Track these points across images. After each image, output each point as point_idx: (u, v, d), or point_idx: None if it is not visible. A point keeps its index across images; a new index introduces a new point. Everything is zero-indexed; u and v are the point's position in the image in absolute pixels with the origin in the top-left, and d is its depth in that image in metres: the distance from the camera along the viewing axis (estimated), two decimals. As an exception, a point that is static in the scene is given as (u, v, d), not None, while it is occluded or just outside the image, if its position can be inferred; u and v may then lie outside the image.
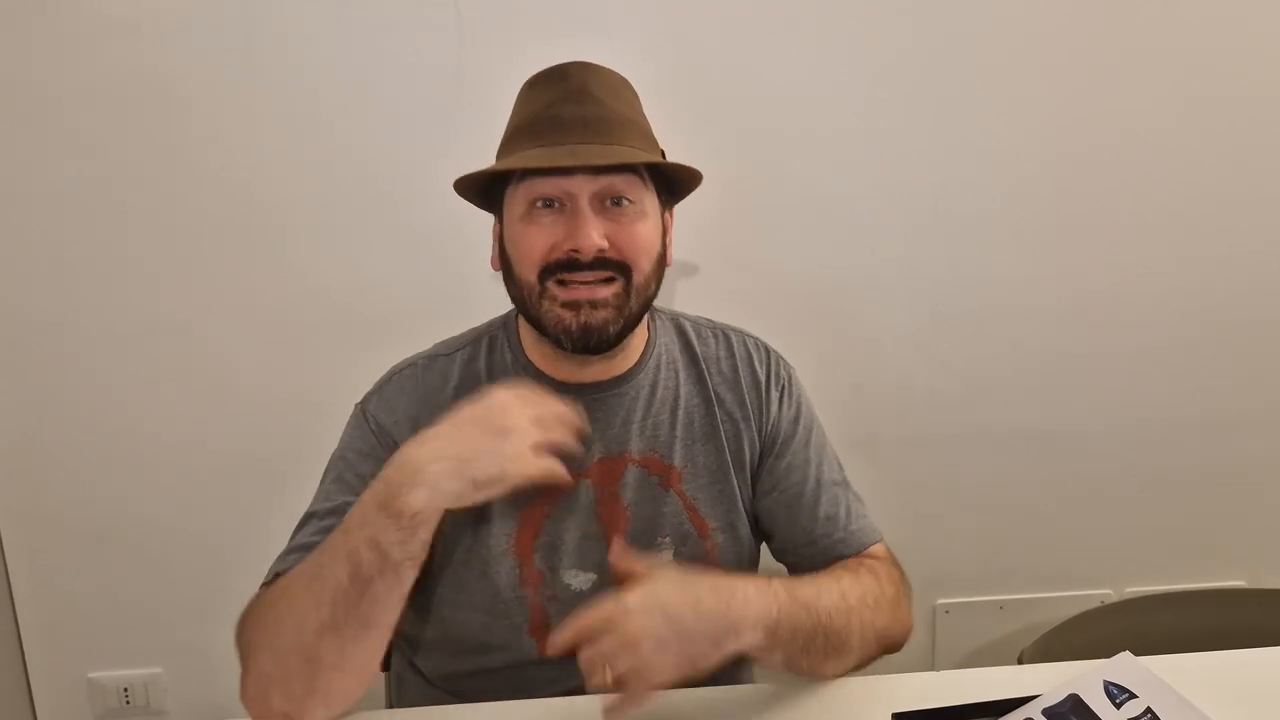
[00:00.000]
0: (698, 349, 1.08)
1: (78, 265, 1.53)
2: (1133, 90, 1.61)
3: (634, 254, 0.94)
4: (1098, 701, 0.87)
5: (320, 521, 0.96)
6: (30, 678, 1.69)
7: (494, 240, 1.02)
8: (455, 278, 1.56)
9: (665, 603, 0.81)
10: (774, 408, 1.06)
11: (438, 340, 1.09)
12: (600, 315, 0.93)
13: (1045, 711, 0.87)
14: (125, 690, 1.70)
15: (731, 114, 1.56)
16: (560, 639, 0.80)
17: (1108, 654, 0.96)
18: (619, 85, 0.98)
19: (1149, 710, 0.86)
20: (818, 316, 1.66)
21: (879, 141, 1.60)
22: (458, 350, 1.05)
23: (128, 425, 1.59)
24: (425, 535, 0.83)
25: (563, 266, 0.93)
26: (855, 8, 1.54)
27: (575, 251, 0.92)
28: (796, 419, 1.07)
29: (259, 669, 0.86)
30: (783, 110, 1.57)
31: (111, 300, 1.55)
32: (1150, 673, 0.90)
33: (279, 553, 0.97)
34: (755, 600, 0.85)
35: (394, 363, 1.07)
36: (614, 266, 0.93)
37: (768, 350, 1.10)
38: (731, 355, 1.08)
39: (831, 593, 0.92)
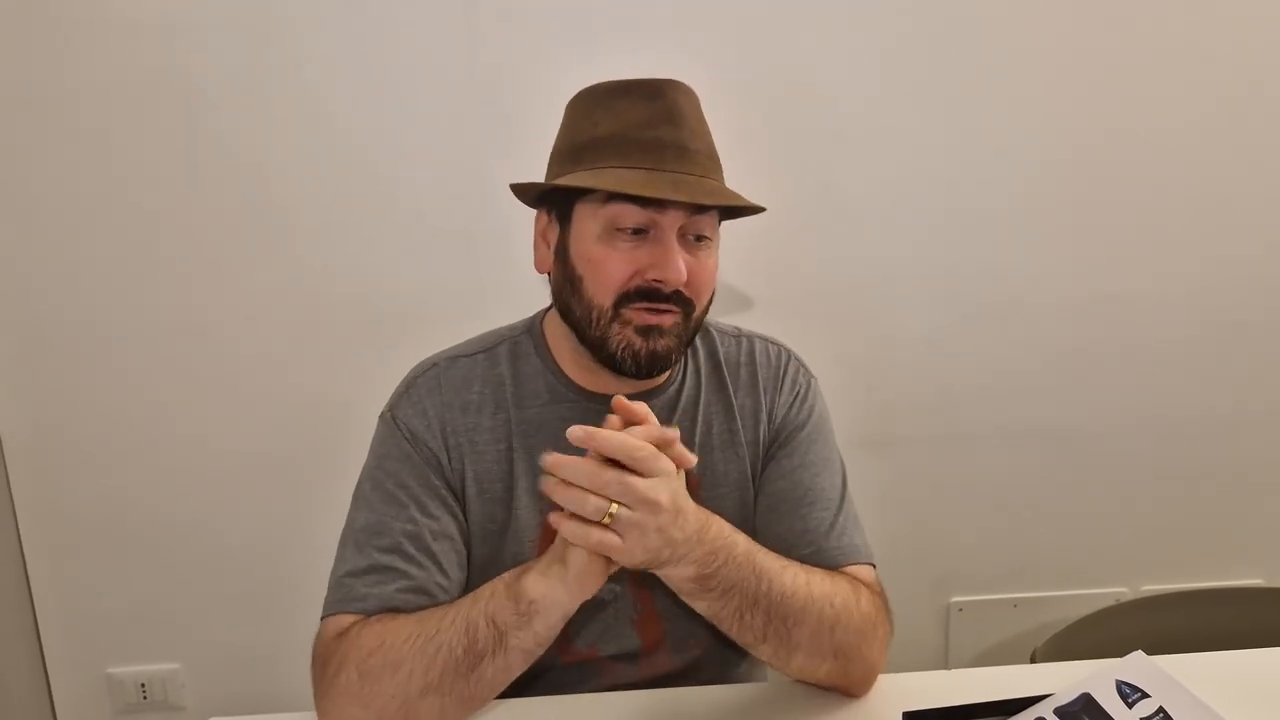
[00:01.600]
0: (722, 356, 1.07)
1: (97, 264, 1.54)
2: (1148, 87, 1.60)
3: (702, 290, 0.95)
4: (1110, 701, 0.87)
5: (377, 542, 0.94)
6: (49, 673, 1.71)
7: (541, 242, 1.00)
8: (473, 276, 1.57)
9: (678, 492, 0.80)
10: (783, 410, 1.05)
11: (457, 338, 1.08)
12: (664, 343, 0.93)
13: (1057, 711, 0.86)
14: (143, 685, 1.72)
15: (741, 113, 1.55)
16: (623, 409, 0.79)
17: (1122, 653, 0.96)
18: (698, 105, 0.96)
19: (1161, 710, 0.86)
20: (831, 315, 1.66)
21: (892, 139, 1.59)
22: (478, 352, 1.03)
23: (147, 423, 1.61)
24: (542, 629, 0.84)
25: (642, 294, 0.92)
26: (866, 3, 1.53)
27: (659, 282, 0.91)
28: (803, 425, 1.05)
29: (348, 714, 0.86)
30: (793, 108, 1.57)
31: (132, 299, 1.56)
32: (1163, 672, 0.90)
33: (333, 572, 0.95)
34: (710, 537, 0.83)
35: (411, 365, 1.05)
36: (680, 301, 0.93)
37: (789, 356, 1.09)
38: (752, 361, 1.07)
39: (796, 577, 0.88)
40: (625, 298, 0.92)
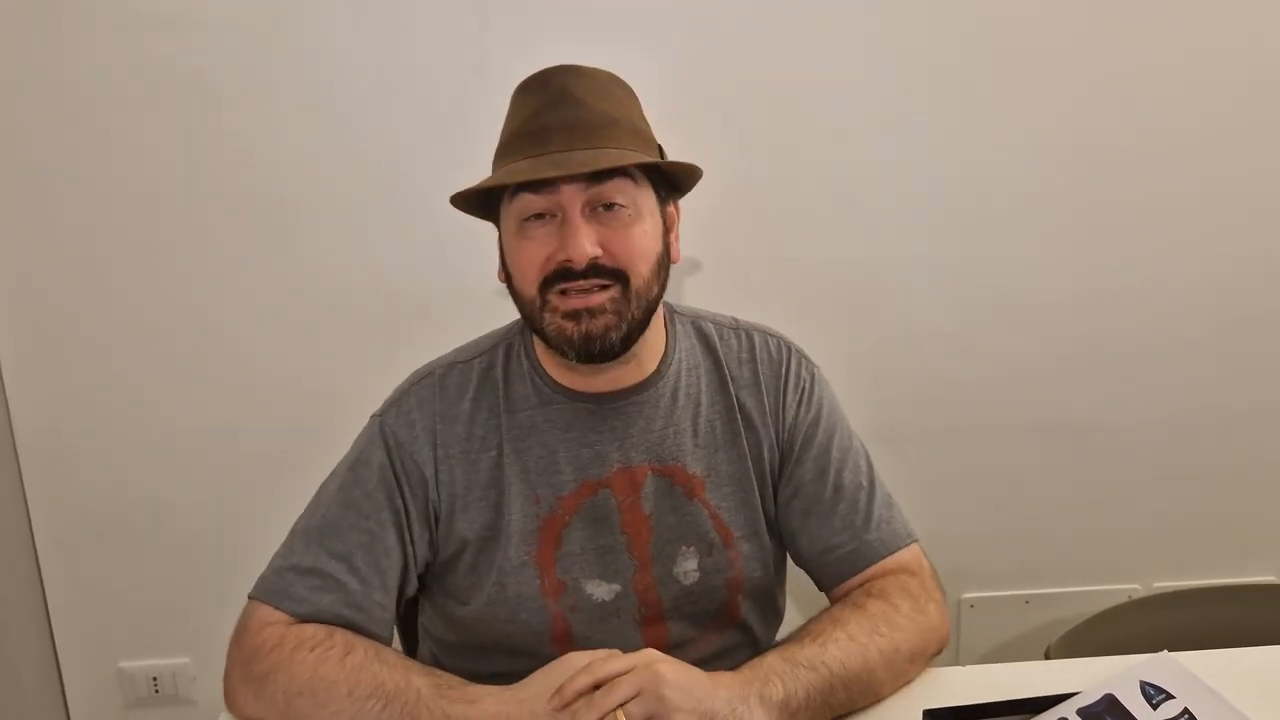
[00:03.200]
0: (720, 352, 1.05)
1: (107, 260, 1.54)
2: (1156, 85, 1.60)
3: (629, 259, 0.92)
4: (1134, 702, 0.86)
5: (328, 545, 0.95)
6: (61, 667, 1.71)
7: (499, 252, 1.00)
8: (481, 275, 1.56)
9: (680, 664, 0.85)
10: (791, 411, 1.04)
11: (464, 337, 1.08)
12: (600, 322, 0.91)
13: (1080, 711, 0.86)
14: (154, 680, 1.72)
15: (752, 108, 1.55)
16: (573, 689, 0.82)
17: (1135, 650, 0.96)
18: (605, 84, 0.95)
19: (1186, 711, 0.85)
20: (840, 310, 1.65)
21: (902, 134, 1.59)
22: (475, 358, 1.03)
23: (158, 419, 1.61)
24: None
25: (560, 277, 0.91)
26: (876, 1, 1.53)
27: (569, 262, 0.90)
28: (816, 422, 1.04)
29: (257, 710, 0.89)
30: (804, 104, 1.56)
31: (141, 294, 1.56)
32: (1189, 672, 0.89)
33: (277, 555, 0.97)
34: (755, 686, 0.85)
35: (418, 364, 1.05)
36: (609, 274, 0.91)
37: (789, 350, 1.07)
38: (753, 358, 1.05)
39: (837, 640, 0.90)
40: (545, 283, 0.92)
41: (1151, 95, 1.60)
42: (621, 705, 0.80)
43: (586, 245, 0.89)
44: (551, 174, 0.88)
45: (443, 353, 1.06)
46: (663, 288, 0.97)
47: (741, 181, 1.54)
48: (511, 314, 1.08)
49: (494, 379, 1.01)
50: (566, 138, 0.90)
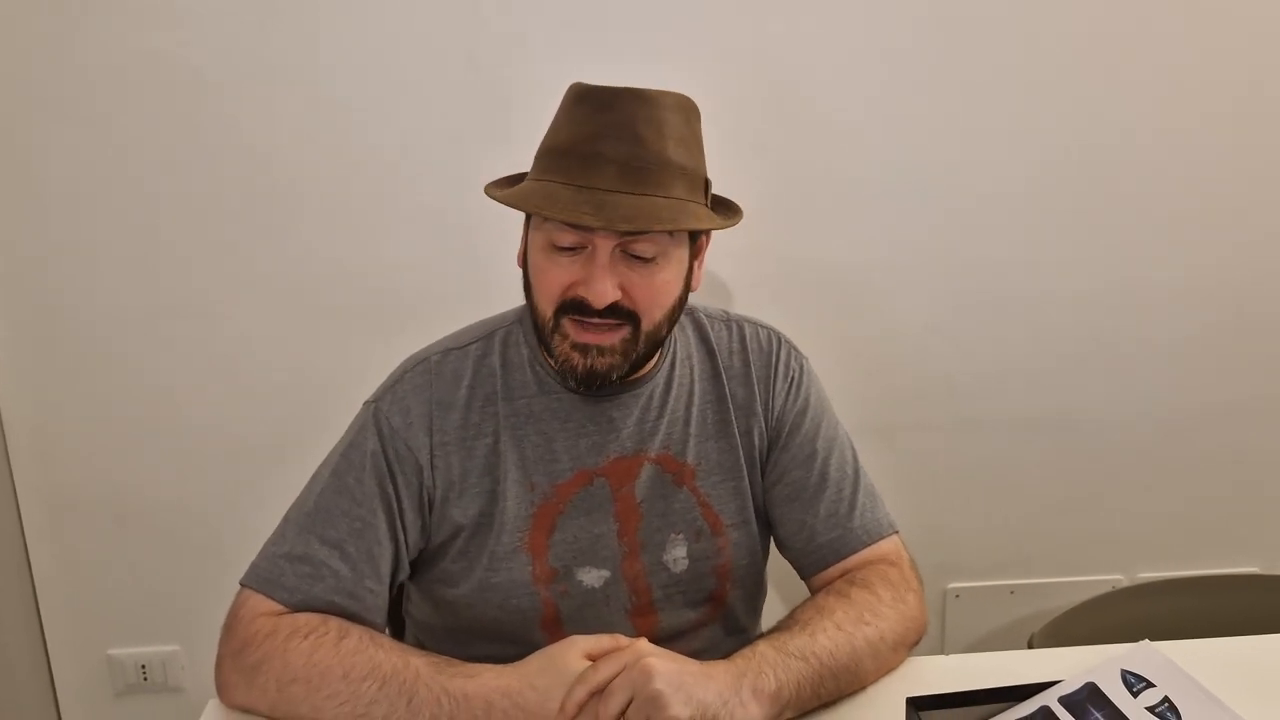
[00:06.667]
0: (713, 343, 1.07)
1: (102, 249, 1.54)
2: (1155, 82, 1.60)
3: (647, 306, 0.93)
4: (1115, 690, 0.87)
5: (320, 532, 0.95)
6: (50, 654, 1.71)
7: (523, 237, 1.00)
8: (478, 263, 1.56)
9: (671, 656, 0.85)
10: (780, 399, 1.06)
11: (462, 326, 1.08)
12: (605, 361, 0.93)
13: (1062, 700, 0.86)
14: (143, 667, 1.72)
15: (750, 103, 1.55)
16: (573, 703, 0.82)
17: (1118, 640, 0.97)
18: (669, 117, 0.92)
19: (1166, 699, 0.86)
20: (836, 303, 1.66)
21: (897, 131, 1.59)
22: (470, 344, 1.03)
23: (149, 407, 1.60)
24: None
25: (576, 307, 0.92)
26: (877, -3, 1.53)
27: (587, 300, 0.91)
28: (804, 411, 1.06)
29: (249, 700, 0.89)
30: (801, 97, 1.56)
31: (136, 284, 1.55)
32: (1169, 661, 0.90)
33: (269, 543, 0.97)
34: (749, 678, 0.85)
35: (408, 354, 1.05)
36: (624, 314, 0.93)
37: (779, 341, 1.09)
38: (744, 348, 1.07)
39: (825, 629, 0.91)
40: (562, 309, 0.93)
41: (1145, 93, 1.60)
42: (621, 714, 0.80)
43: (608, 290, 0.90)
44: (589, 223, 0.87)
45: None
46: (674, 324, 0.99)
47: (737, 178, 1.54)
48: (511, 305, 1.09)
49: (491, 366, 1.02)
50: (616, 176, 0.89)
